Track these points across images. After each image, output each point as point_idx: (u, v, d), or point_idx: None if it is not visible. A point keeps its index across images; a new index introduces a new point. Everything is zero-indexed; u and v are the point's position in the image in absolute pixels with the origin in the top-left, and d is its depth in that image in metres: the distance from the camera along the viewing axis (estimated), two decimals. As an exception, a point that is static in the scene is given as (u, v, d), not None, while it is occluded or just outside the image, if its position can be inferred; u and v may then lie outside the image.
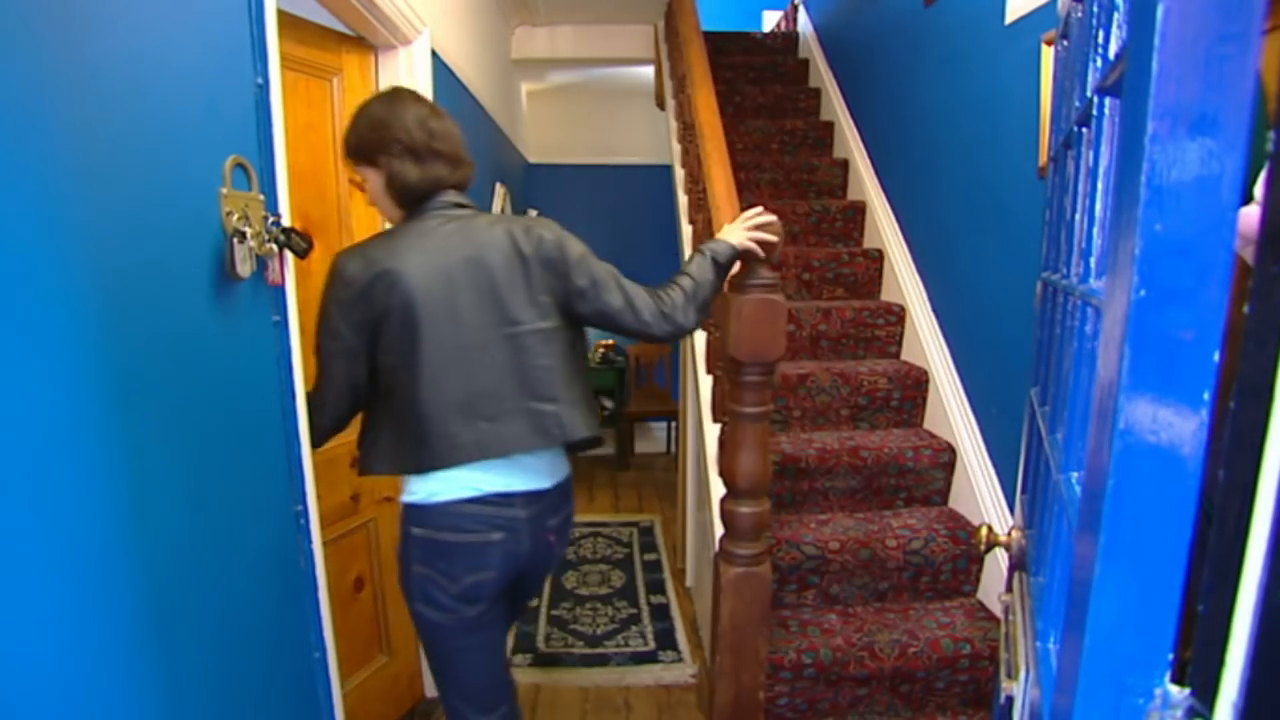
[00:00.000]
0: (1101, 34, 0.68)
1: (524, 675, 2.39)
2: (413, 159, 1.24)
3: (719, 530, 1.59)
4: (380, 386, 1.25)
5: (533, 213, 4.52)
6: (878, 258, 2.80)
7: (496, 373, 1.22)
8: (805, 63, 3.90)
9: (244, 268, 1.00)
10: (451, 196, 1.29)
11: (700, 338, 2.35)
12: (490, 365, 1.22)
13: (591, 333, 4.48)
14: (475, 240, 1.24)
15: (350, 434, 1.74)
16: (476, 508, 1.23)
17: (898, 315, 2.60)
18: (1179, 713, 0.40)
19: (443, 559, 1.23)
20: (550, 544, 1.33)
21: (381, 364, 1.23)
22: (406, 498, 1.26)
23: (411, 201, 1.27)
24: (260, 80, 1.10)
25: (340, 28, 1.75)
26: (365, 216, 1.87)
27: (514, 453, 1.22)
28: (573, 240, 1.30)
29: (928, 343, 2.43)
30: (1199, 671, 0.40)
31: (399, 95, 1.30)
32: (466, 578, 1.23)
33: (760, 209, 1.46)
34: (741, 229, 1.44)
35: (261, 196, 1.08)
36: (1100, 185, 0.64)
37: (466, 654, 1.29)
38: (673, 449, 4.79)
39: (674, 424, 4.69)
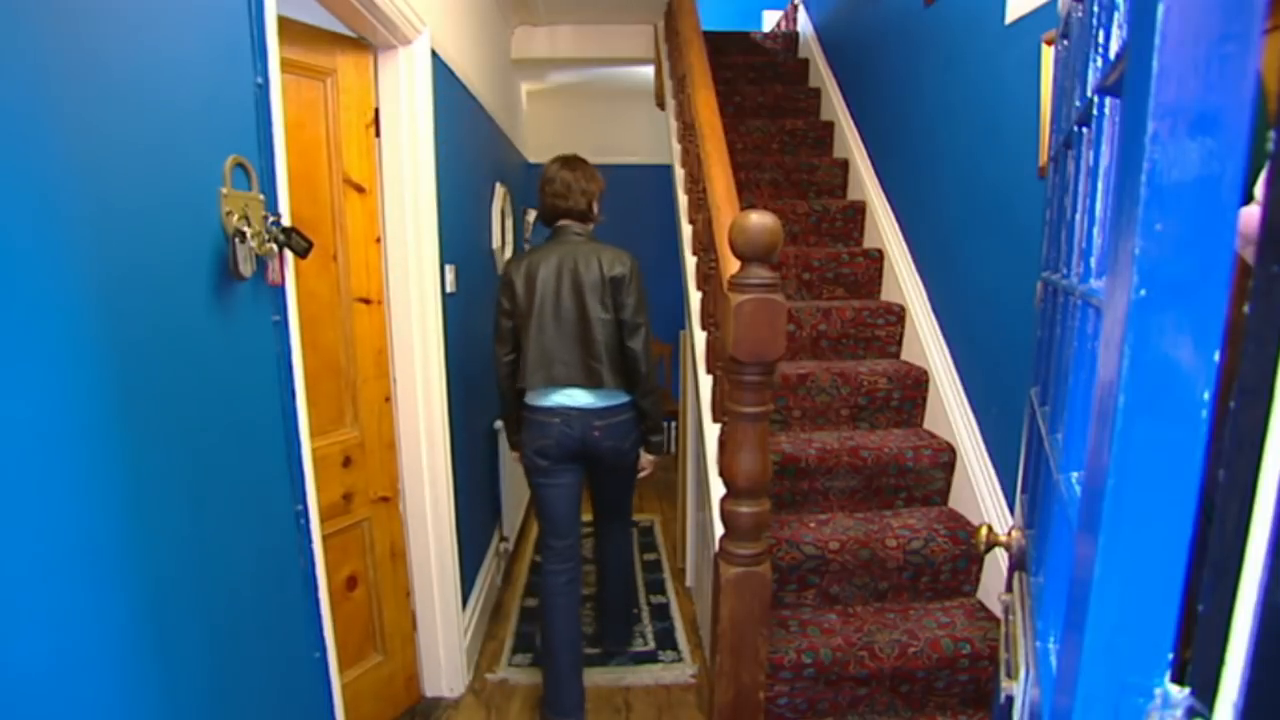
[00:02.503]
0: (1102, 34, 0.68)
1: (524, 675, 2.39)
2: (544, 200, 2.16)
3: (719, 530, 1.59)
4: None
5: (532, 214, 4.51)
6: (878, 258, 2.80)
7: (569, 340, 2.02)
8: (805, 62, 3.90)
9: (245, 268, 1.00)
10: (574, 226, 2.13)
11: (700, 337, 2.36)
12: (568, 334, 2.02)
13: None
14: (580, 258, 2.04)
15: (343, 435, 1.81)
16: (544, 412, 2.06)
17: (898, 315, 2.60)
18: (1179, 712, 0.40)
19: (527, 430, 2.09)
20: (596, 435, 2.06)
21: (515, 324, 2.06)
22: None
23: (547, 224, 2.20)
24: (260, 80, 1.10)
25: (336, 28, 1.75)
26: (360, 218, 1.87)
27: (569, 386, 2.03)
28: (636, 275, 2.06)
29: (928, 343, 2.43)
30: (1199, 671, 0.40)
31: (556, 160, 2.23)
32: (536, 442, 2.06)
33: None
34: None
35: (261, 196, 1.08)
36: (1100, 185, 0.64)
37: (544, 492, 2.11)
38: (673, 449, 4.79)
39: (674, 424, 4.69)
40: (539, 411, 2.06)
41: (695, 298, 2.48)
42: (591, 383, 2.02)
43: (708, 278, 2.27)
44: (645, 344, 2.04)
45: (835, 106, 3.40)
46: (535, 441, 2.06)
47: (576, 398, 2.05)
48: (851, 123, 3.25)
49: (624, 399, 2.10)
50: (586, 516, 2.28)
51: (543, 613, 2.14)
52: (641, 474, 2.24)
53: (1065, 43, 0.98)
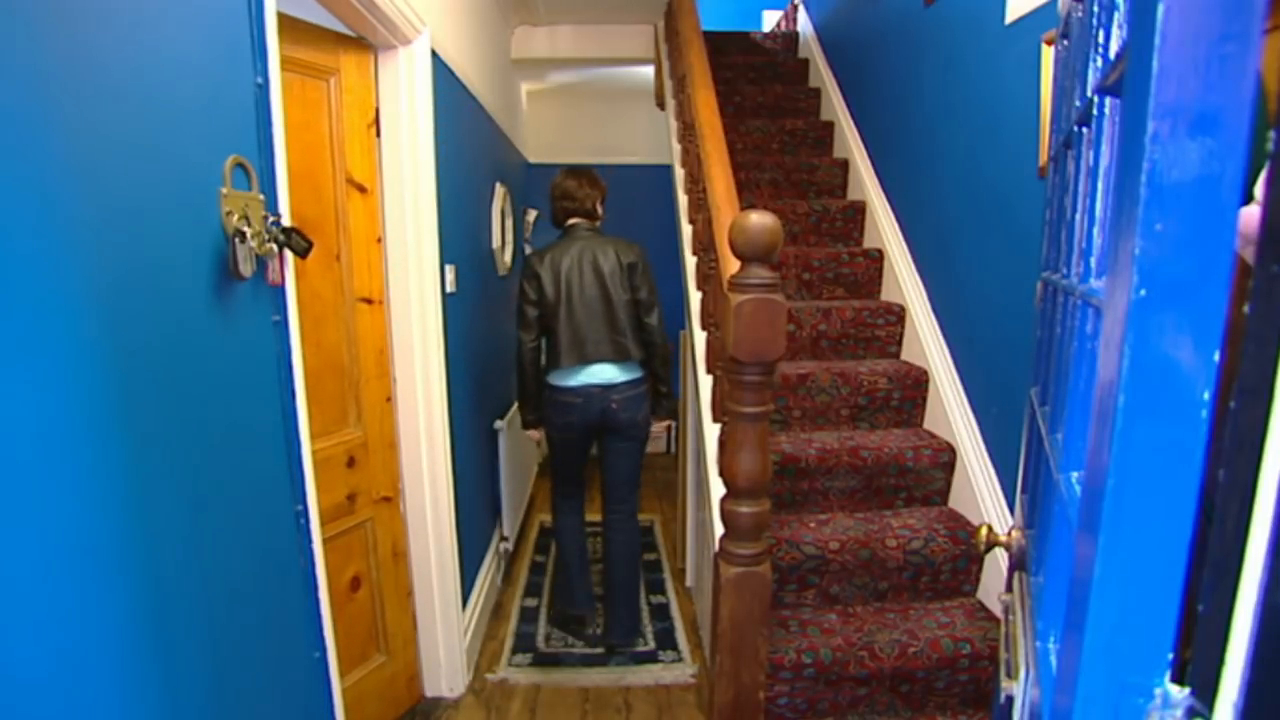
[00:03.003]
0: (1102, 34, 0.68)
1: (524, 675, 2.39)
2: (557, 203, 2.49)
3: (719, 530, 1.59)
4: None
5: (532, 214, 4.51)
6: (878, 258, 2.80)
7: (598, 320, 2.35)
8: (805, 62, 3.90)
9: (245, 268, 1.00)
10: (583, 224, 2.46)
11: (700, 338, 2.36)
12: (595, 315, 2.35)
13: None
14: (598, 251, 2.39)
15: (347, 435, 1.81)
16: (568, 393, 2.39)
17: (898, 315, 2.60)
18: (1179, 712, 0.40)
19: (551, 411, 2.44)
20: (614, 408, 2.39)
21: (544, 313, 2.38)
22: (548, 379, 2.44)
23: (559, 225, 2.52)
24: (260, 80, 1.10)
25: (338, 28, 1.75)
26: (362, 218, 1.87)
27: (600, 361, 2.36)
28: (646, 261, 2.44)
29: (928, 343, 2.43)
30: (1199, 671, 0.40)
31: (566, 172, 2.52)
32: (560, 420, 2.42)
33: None
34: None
35: (261, 196, 1.08)
36: (1100, 185, 0.64)
37: (565, 455, 2.51)
38: (673, 449, 4.79)
39: (674, 424, 4.69)
40: (563, 393, 2.38)
41: (695, 298, 2.48)
42: (619, 356, 2.36)
43: (708, 278, 2.27)
44: (660, 318, 2.43)
45: (835, 106, 3.40)
46: (559, 420, 2.42)
47: (603, 373, 2.37)
48: (851, 123, 3.25)
49: (640, 373, 2.44)
50: (595, 517, 2.43)
51: (556, 537, 2.66)
52: (655, 436, 2.61)
53: (1065, 43, 0.98)
